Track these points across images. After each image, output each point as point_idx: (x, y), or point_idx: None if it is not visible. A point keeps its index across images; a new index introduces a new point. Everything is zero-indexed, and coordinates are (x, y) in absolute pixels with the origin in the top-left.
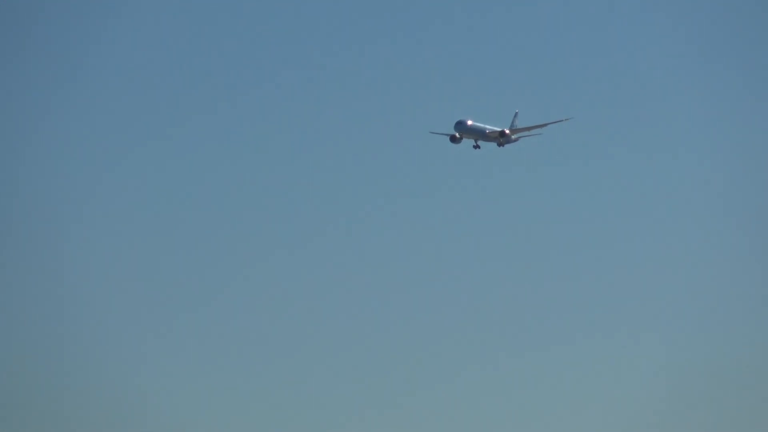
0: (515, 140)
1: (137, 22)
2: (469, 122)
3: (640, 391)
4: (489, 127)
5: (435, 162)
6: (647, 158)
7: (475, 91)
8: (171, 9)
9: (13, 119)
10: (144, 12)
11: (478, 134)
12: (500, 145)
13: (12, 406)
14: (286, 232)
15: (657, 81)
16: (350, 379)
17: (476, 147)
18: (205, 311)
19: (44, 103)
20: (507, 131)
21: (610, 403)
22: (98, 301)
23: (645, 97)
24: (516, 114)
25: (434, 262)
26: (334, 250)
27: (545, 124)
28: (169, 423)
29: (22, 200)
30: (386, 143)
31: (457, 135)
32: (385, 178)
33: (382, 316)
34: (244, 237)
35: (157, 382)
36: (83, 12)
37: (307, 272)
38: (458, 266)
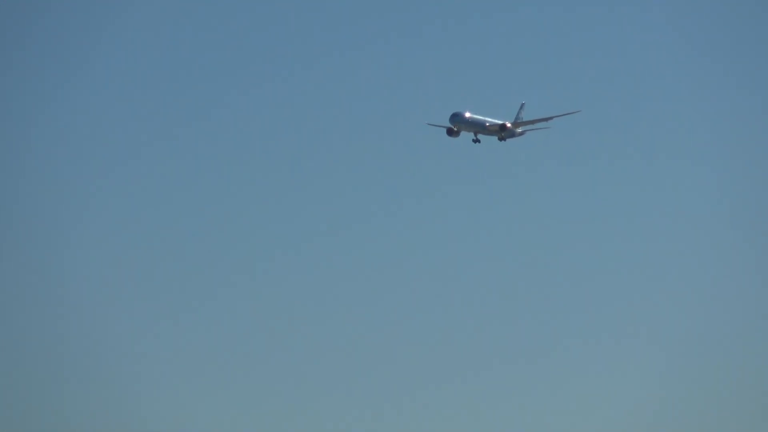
0: (520, 134)
1: (137, 22)
2: (467, 114)
3: (642, 392)
4: (489, 120)
5: (430, 157)
6: (657, 156)
7: (480, 82)
8: (169, 10)
9: (14, 119)
10: (144, 13)
11: (478, 127)
12: (501, 139)
13: (12, 406)
14: (281, 229)
15: (669, 75)
16: (349, 378)
17: (476, 141)
18: (204, 312)
19: (44, 104)
20: (508, 124)
21: (611, 404)
22: (98, 301)
23: (657, 93)
24: (522, 106)
25: (429, 262)
26: (328, 247)
27: (551, 118)
28: (169, 423)
29: (22, 200)
30: (382, 134)
31: (454, 128)
32: (377, 173)
33: (376, 314)
34: (239, 230)
35: (156, 382)
36: (83, 12)
37: (301, 268)
38: (454, 266)
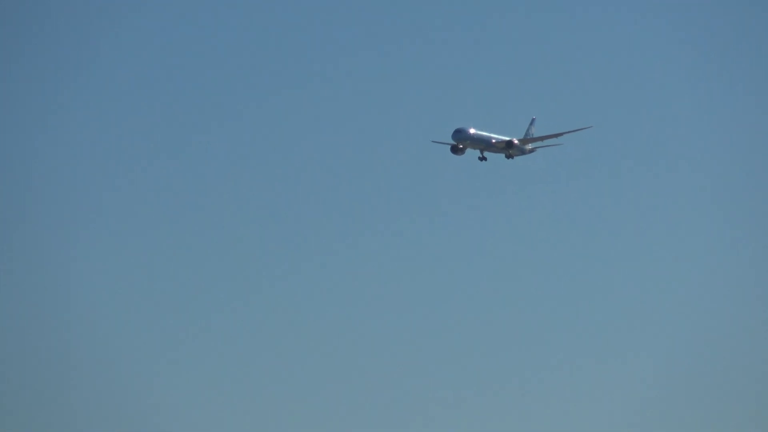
0: (530, 151)
1: (137, 22)
2: (472, 130)
3: (646, 403)
4: (495, 136)
5: (434, 175)
6: (669, 174)
7: (490, 97)
8: (166, 14)
9: (14, 120)
10: (144, 13)
11: (483, 144)
12: (509, 156)
13: (12, 406)
14: (281, 242)
15: (684, 90)
16: (345, 386)
17: (482, 159)
18: (203, 313)
19: (45, 104)
20: (515, 141)
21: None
22: (98, 301)
23: (670, 108)
24: (532, 121)
25: (432, 281)
26: (329, 264)
27: (561, 134)
28: (169, 423)
29: (21, 201)
30: (386, 151)
31: (458, 145)
32: (378, 194)
33: (379, 330)
34: (241, 246)
35: (156, 382)
36: (83, 13)
37: (302, 284)
38: (457, 287)
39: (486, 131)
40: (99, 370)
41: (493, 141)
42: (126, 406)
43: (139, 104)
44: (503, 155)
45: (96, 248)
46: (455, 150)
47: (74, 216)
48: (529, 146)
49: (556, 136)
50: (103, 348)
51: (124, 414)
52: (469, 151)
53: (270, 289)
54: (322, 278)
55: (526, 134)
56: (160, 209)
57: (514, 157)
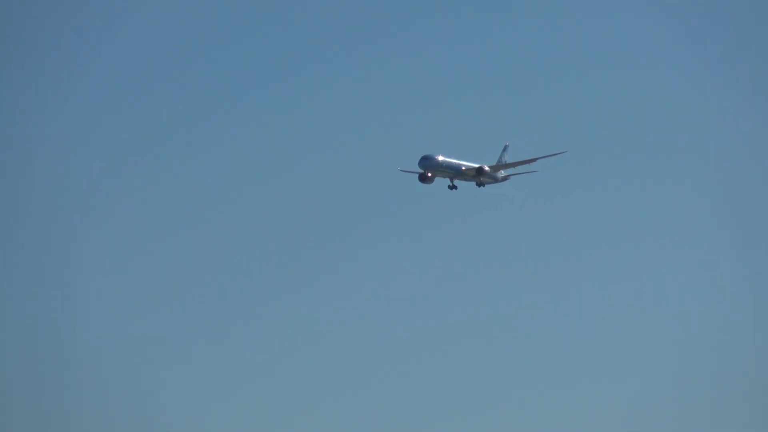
0: (504, 179)
1: (137, 22)
2: (440, 157)
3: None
4: (465, 163)
5: (401, 206)
6: (647, 196)
7: (461, 124)
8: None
9: (15, 120)
10: (144, 13)
11: (452, 171)
12: (480, 184)
13: (12, 406)
14: (245, 262)
15: (657, 111)
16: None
17: (452, 187)
18: (202, 314)
19: (46, 104)
20: (486, 168)
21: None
22: (99, 301)
23: (648, 132)
24: (505, 148)
25: (397, 314)
26: (295, 294)
27: (534, 159)
28: (170, 423)
29: (22, 201)
30: (350, 182)
31: (426, 173)
32: (342, 223)
33: (345, 360)
34: (201, 279)
35: (157, 382)
36: (84, 13)
37: (268, 312)
38: (423, 319)
39: (456, 158)
40: (99, 370)
41: (463, 168)
42: (126, 406)
43: (138, 104)
44: (474, 183)
45: (96, 248)
46: (423, 178)
47: (74, 215)
48: (502, 173)
49: (530, 161)
50: (102, 348)
51: (124, 413)
52: (438, 179)
53: (236, 314)
54: (283, 311)
55: (499, 161)
56: (158, 210)
57: (486, 185)
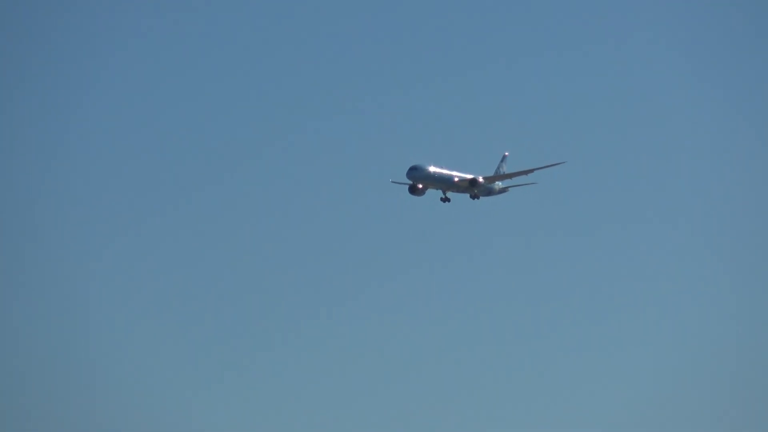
0: (501, 191)
1: (137, 22)
2: (431, 168)
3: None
4: (458, 174)
5: (391, 219)
6: (646, 207)
7: (457, 133)
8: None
9: (15, 120)
10: (144, 14)
11: (444, 183)
12: (474, 197)
13: (12, 406)
14: (236, 275)
15: (654, 121)
16: None
17: (444, 200)
18: (200, 315)
19: (46, 104)
20: (480, 179)
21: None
22: (99, 302)
23: (646, 142)
24: (504, 158)
25: (390, 332)
26: (285, 310)
27: (532, 170)
28: (170, 423)
29: (22, 201)
30: (343, 192)
31: (416, 185)
32: (334, 235)
33: (335, 378)
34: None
35: (157, 383)
36: (83, 14)
37: (258, 327)
38: (416, 333)
39: (449, 169)
40: (99, 370)
41: (456, 179)
42: (125, 406)
43: (139, 105)
44: (468, 195)
45: (95, 248)
46: (414, 190)
47: (73, 216)
48: (499, 185)
49: (527, 172)
50: (103, 348)
51: (124, 413)
52: (429, 191)
53: (223, 329)
54: (271, 326)
55: (497, 171)
56: (157, 211)
57: (480, 198)
